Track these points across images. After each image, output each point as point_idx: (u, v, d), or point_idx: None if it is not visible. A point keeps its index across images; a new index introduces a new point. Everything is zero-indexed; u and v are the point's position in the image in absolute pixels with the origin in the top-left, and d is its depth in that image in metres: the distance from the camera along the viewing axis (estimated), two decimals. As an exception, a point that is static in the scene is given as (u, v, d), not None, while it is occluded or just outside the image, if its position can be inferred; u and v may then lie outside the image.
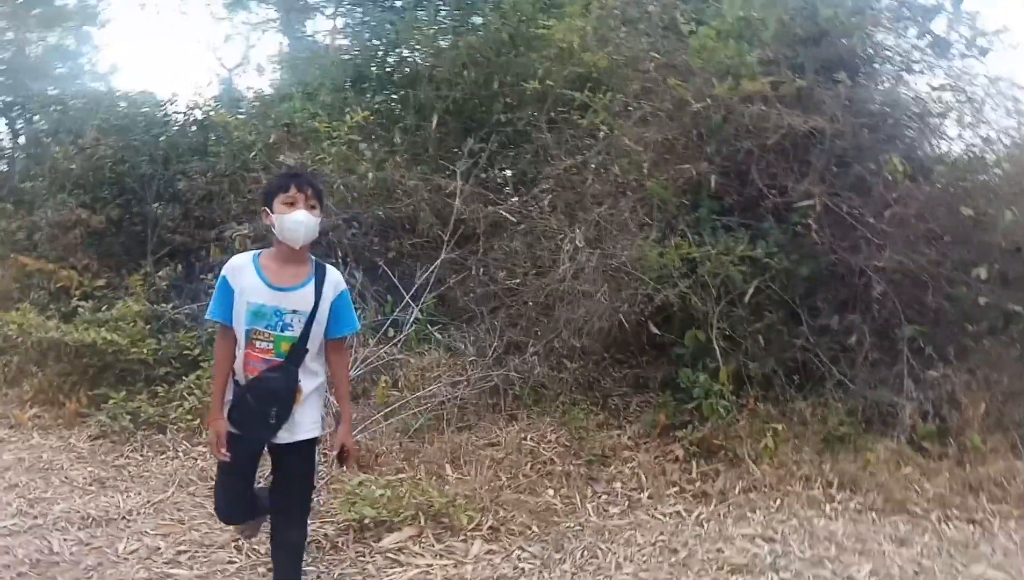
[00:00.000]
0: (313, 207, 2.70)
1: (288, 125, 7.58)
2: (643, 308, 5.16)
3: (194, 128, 8.23)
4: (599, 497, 4.35)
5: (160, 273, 6.89)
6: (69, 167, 7.72)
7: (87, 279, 6.97)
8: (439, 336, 5.79)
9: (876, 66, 5.89)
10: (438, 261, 5.90)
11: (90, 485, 4.47)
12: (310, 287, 2.69)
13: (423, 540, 3.70)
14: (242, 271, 2.67)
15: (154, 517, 4.01)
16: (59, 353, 5.92)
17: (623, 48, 5.91)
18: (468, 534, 3.77)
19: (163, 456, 4.96)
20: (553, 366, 5.38)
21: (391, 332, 5.66)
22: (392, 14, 9.56)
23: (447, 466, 4.53)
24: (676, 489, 4.48)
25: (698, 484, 4.49)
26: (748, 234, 5.16)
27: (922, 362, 4.95)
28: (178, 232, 7.47)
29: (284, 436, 2.71)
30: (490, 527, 3.83)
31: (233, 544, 3.60)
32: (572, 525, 3.96)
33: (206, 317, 2.76)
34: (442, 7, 8.92)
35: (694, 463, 4.68)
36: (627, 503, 4.29)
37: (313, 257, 2.81)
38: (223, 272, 2.70)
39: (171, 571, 3.41)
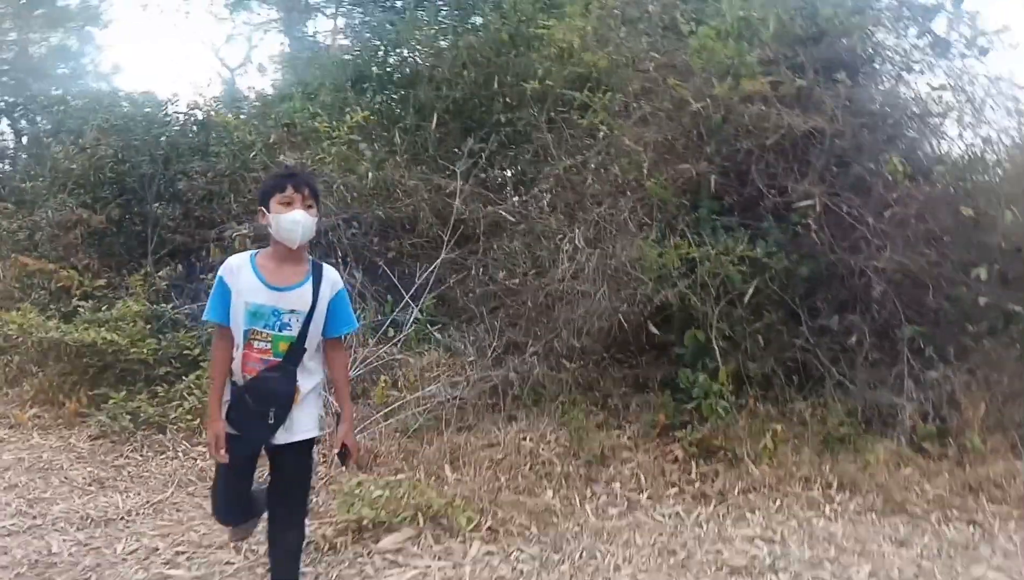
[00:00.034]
0: (310, 207, 2.69)
1: (288, 125, 7.60)
2: (643, 308, 5.16)
3: (195, 128, 8.23)
4: (598, 498, 4.33)
5: (160, 273, 6.90)
6: (70, 167, 7.73)
7: (87, 279, 6.98)
8: (439, 336, 5.79)
9: (876, 66, 5.88)
10: (438, 261, 5.90)
11: (89, 485, 4.47)
12: (308, 286, 2.69)
13: (421, 541, 3.69)
14: (239, 271, 2.67)
15: (153, 517, 4.01)
16: (59, 353, 5.92)
17: (623, 48, 5.91)
18: (467, 535, 3.75)
19: (163, 456, 4.96)
20: (552, 366, 5.38)
21: (391, 332, 5.66)
22: (392, 14, 9.57)
23: (446, 467, 4.53)
24: (675, 490, 4.47)
25: (697, 485, 4.48)
26: (748, 234, 5.15)
27: (922, 363, 4.94)
28: (178, 232, 7.48)
29: (282, 436, 2.70)
30: (489, 528, 3.82)
31: (232, 545, 3.59)
32: (571, 526, 3.94)
33: (203, 318, 2.75)
34: (442, 7, 8.93)
35: (693, 464, 4.68)
36: (626, 504, 4.28)
37: (310, 256, 2.80)
38: (220, 273, 2.69)
39: (169, 572, 3.40)
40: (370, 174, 6.38)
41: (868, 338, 4.97)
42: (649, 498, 4.35)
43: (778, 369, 5.13)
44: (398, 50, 8.38)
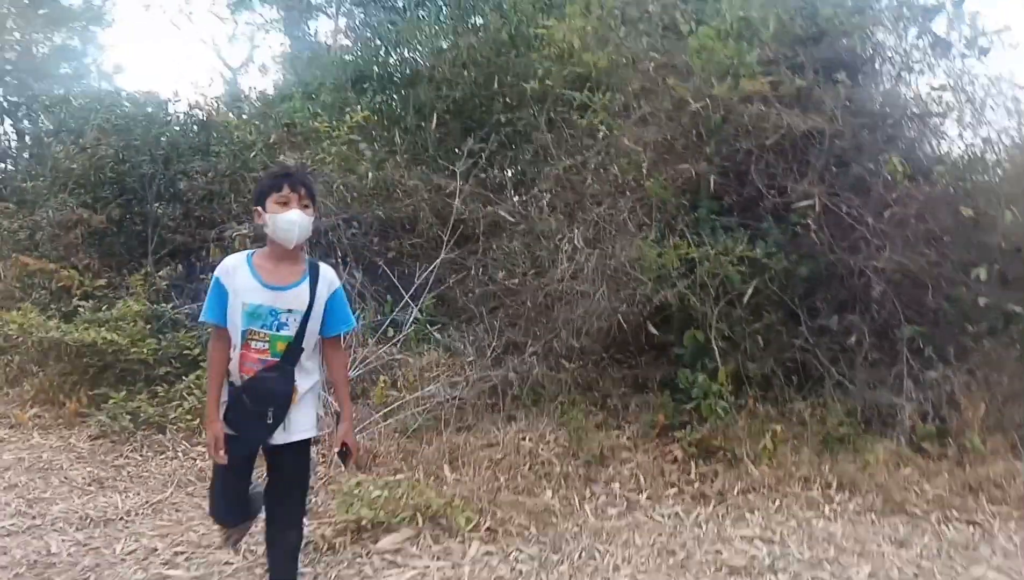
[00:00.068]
0: (306, 206, 2.69)
1: (288, 125, 7.60)
2: (642, 308, 5.17)
3: (195, 128, 8.24)
4: (597, 498, 4.33)
5: (161, 273, 6.91)
6: (70, 166, 7.73)
7: (88, 279, 6.98)
8: (438, 336, 5.80)
9: (876, 66, 5.88)
10: (437, 261, 5.90)
11: (89, 485, 4.47)
12: (305, 286, 2.69)
13: (420, 541, 3.69)
14: (236, 272, 2.66)
15: (152, 518, 4.01)
16: (59, 353, 5.93)
17: (623, 48, 5.90)
18: (466, 535, 3.75)
19: (162, 456, 4.96)
20: (552, 366, 5.38)
21: (390, 332, 5.66)
22: (393, 14, 9.57)
23: (445, 467, 4.53)
24: (675, 490, 4.47)
25: (697, 485, 4.48)
26: (747, 234, 5.16)
27: (922, 363, 4.94)
28: (179, 232, 7.48)
29: (280, 436, 2.70)
30: (488, 528, 3.82)
31: (226, 546, 3.58)
32: (570, 526, 3.94)
33: (200, 319, 2.74)
34: (443, 7, 8.92)
35: (693, 464, 4.68)
36: (625, 504, 4.28)
37: (307, 256, 2.80)
38: (216, 273, 2.68)
39: (168, 572, 3.40)
40: (370, 174, 6.39)
41: (868, 338, 4.97)
42: (648, 498, 4.35)
43: (777, 369, 5.14)
44: (399, 50, 8.39)
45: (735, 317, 5.07)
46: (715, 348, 4.98)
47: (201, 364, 5.59)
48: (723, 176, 5.36)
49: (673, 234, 5.25)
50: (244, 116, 8.72)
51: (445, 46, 7.67)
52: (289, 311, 2.65)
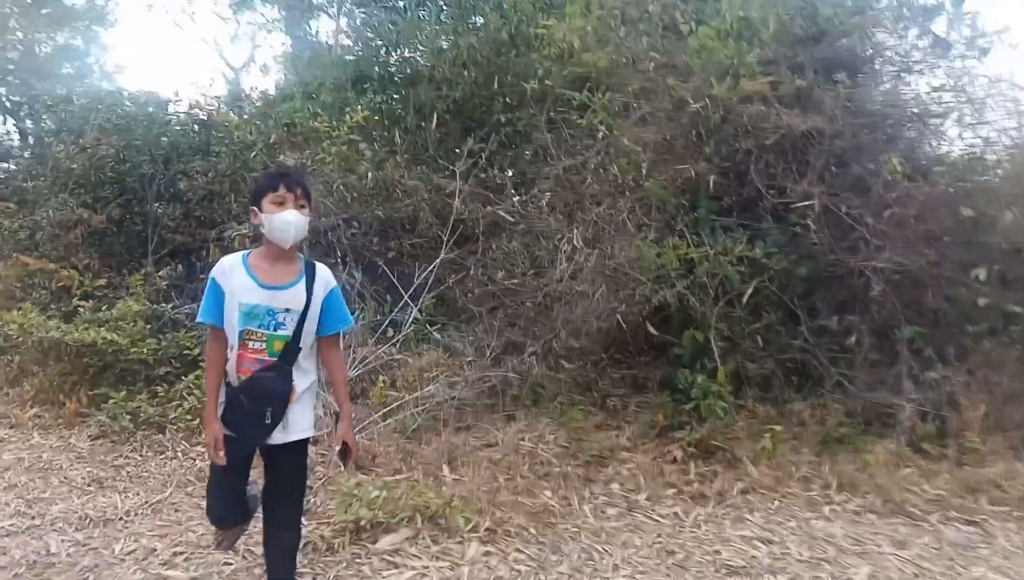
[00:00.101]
0: (303, 206, 2.69)
1: (288, 125, 7.60)
2: (641, 308, 5.17)
3: (196, 128, 8.24)
4: (596, 498, 4.33)
5: (161, 273, 6.91)
6: (70, 166, 7.73)
7: (88, 279, 6.98)
8: (438, 336, 5.80)
9: (876, 66, 5.88)
10: (437, 261, 5.90)
11: (89, 485, 4.47)
12: (301, 285, 2.69)
13: (419, 542, 3.69)
14: (232, 272, 2.67)
15: (152, 518, 4.00)
16: (60, 353, 5.93)
17: (623, 48, 5.90)
18: (465, 536, 3.74)
19: (162, 456, 4.96)
20: (551, 366, 5.38)
21: (390, 332, 5.66)
22: (394, 14, 9.56)
23: (444, 467, 4.53)
24: (674, 490, 4.47)
25: (696, 485, 4.48)
26: (747, 234, 5.16)
27: (921, 363, 4.94)
28: (179, 232, 7.48)
29: (278, 436, 2.70)
30: (487, 529, 3.81)
31: (219, 549, 3.58)
32: (569, 527, 3.94)
33: (197, 320, 2.74)
34: (444, 7, 8.92)
35: (692, 464, 4.68)
36: (625, 504, 4.27)
37: (302, 255, 2.80)
38: (212, 274, 2.68)
39: (167, 572, 3.40)
40: (370, 174, 6.39)
41: (867, 338, 4.98)
42: (648, 499, 4.35)
43: (777, 369, 5.14)
44: (399, 50, 8.38)
45: (734, 317, 5.08)
46: (714, 348, 4.98)
47: (201, 364, 5.59)
48: (723, 176, 5.37)
49: (672, 234, 5.25)
50: (245, 116, 8.71)
51: (445, 46, 7.66)
52: (286, 310, 2.65)
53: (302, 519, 2.94)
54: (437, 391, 5.15)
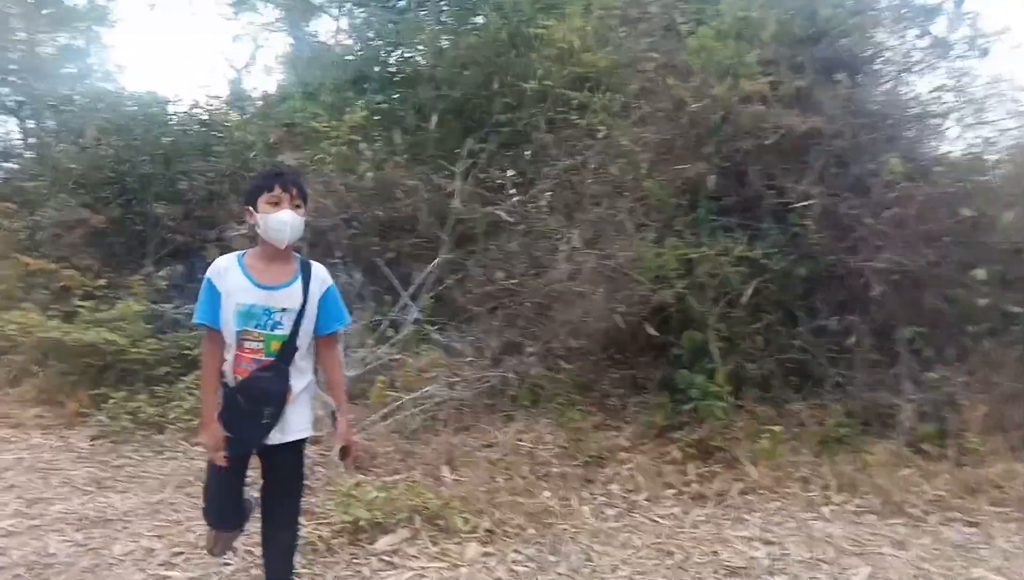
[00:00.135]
0: (298, 206, 2.68)
1: (288, 125, 7.60)
2: (640, 309, 5.16)
3: (196, 128, 8.25)
4: (595, 499, 4.33)
5: (161, 273, 6.92)
6: (70, 166, 7.74)
7: (89, 279, 6.99)
8: (437, 336, 5.80)
9: (876, 67, 5.87)
10: (436, 261, 5.91)
11: (88, 486, 4.47)
12: (298, 284, 2.68)
13: (418, 543, 3.69)
14: (227, 273, 2.66)
15: (151, 518, 4.00)
16: (60, 353, 5.95)
17: (623, 48, 5.90)
18: (463, 536, 3.75)
19: (161, 456, 4.97)
20: (550, 367, 5.40)
21: (389, 332, 5.67)
22: (394, 14, 9.56)
23: (443, 467, 4.53)
24: (673, 491, 4.46)
25: (695, 486, 4.48)
26: (746, 235, 5.16)
27: (921, 363, 4.94)
28: (179, 232, 7.50)
29: (276, 437, 2.69)
30: (486, 529, 3.81)
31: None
32: (568, 527, 3.93)
33: (193, 322, 2.73)
34: (444, 7, 8.92)
35: (691, 465, 4.68)
36: (624, 505, 4.27)
37: (298, 254, 2.80)
38: (207, 275, 2.67)
39: (166, 573, 3.40)
40: (369, 174, 6.39)
41: (867, 339, 4.98)
42: (647, 499, 4.35)
43: (776, 370, 5.13)
44: (399, 50, 8.39)
45: (734, 318, 5.08)
46: (714, 349, 4.99)
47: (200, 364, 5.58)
48: (722, 176, 5.36)
49: (672, 234, 5.25)
50: (247, 116, 8.71)
51: (445, 46, 7.66)
52: (283, 310, 2.65)
53: (300, 519, 2.94)
54: (436, 391, 5.16)
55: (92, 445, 5.17)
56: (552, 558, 3.62)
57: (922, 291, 5.01)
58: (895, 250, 4.96)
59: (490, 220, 6.10)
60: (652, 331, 5.25)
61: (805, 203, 5.05)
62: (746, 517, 4.12)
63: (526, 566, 3.53)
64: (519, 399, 5.33)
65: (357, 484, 4.01)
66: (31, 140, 13.49)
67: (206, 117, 8.23)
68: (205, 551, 3.18)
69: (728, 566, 3.57)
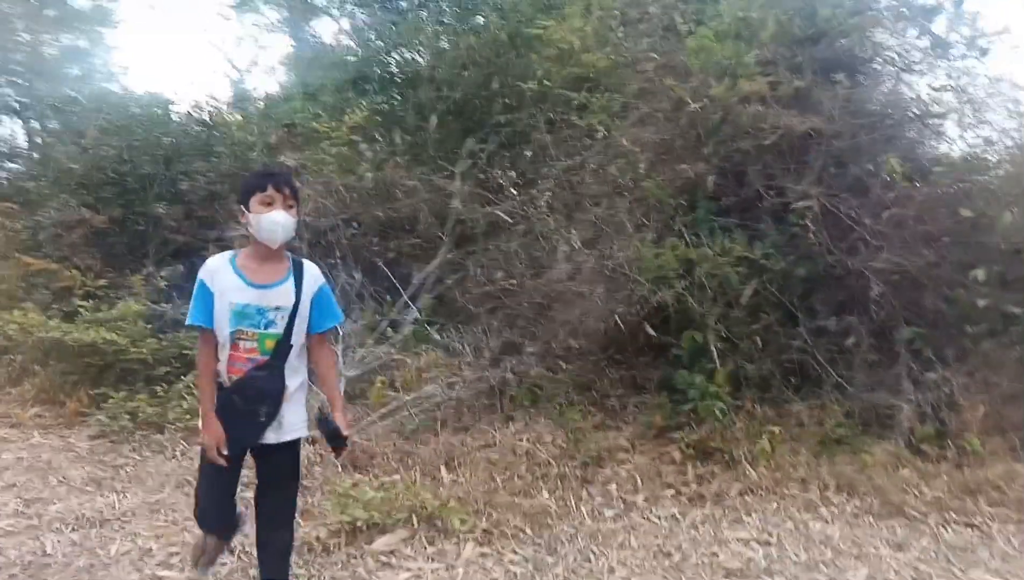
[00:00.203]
0: (291, 207, 2.69)
1: (289, 126, 7.62)
2: (640, 309, 5.15)
3: (197, 128, 8.27)
4: (594, 499, 4.32)
5: (162, 273, 6.94)
6: (71, 167, 7.77)
7: (89, 279, 7.02)
8: (437, 336, 5.81)
9: (876, 67, 5.86)
10: (436, 261, 5.92)
11: (87, 485, 4.49)
12: (290, 283, 2.70)
13: (415, 543, 3.69)
14: (220, 273, 2.67)
15: (149, 518, 4.01)
16: (60, 352, 5.97)
17: (622, 49, 5.90)
18: (461, 537, 3.75)
19: (160, 456, 4.98)
20: (550, 367, 5.39)
21: (389, 332, 5.67)
22: (395, 15, 9.59)
23: (442, 468, 4.53)
24: (672, 491, 4.45)
25: (694, 486, 4.46)
26: (745, 235, 5.14)
27: (920, 364, 4.91)
28: (180, 232, 7.52)
29: (271, 436, 2.71)
30: (483, 530, 3.81)
31: (225, 546, 3.59)
32: (566, 528, 3.93)
33: (187, 323, 2.74)
34: (445, 8, 8.94)
35: (690, 465, 4.66)
36: (622, 506, 4.26)
37: (290, 254, 2.80)
38: (200, 276, 2.69)
39: (162, 573, 3.41)
40: (369, 175, 6.40)
41: (866, 339, 4.95)
42: (645, 500, 4.33)
43: (776, 370, 5.10)
44: (400, 50, 8.40)
45: (733, 318, 5.05)
46: (713, 349, 4.97)
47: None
48: (721, 177, 5.35)
49: (671, 235, 5.24)
50: (249, 117, 8.75)
51: (446, 47, 7.68)
52: (277, 309, 2.66)
53: (296, 519, 2.94)
54: (435, 391, 5.16)
55: (91, 445, 5.19)
56: (550, 559, 3.61)
57: (921, 292, 4.99)
58: (894, 251, 4.95)
59: (490, 220, 6.10)
60: (651, 331, 5.24)
61: (804, 203, 5.03)
62: (744, 518, 4.10)
63: (523, 567, 3.53)
64: (518, 399, 5.33)
65: (354, 484, 4.01)
66: (36, 140, 13.56)
67: (207, 118, 8.26)
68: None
69: (726, 567, 3.56)
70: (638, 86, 5.71)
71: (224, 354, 2.65)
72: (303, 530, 3.68)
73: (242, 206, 2.69)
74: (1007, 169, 5.29)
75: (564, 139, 6.13)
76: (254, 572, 3.31)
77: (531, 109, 6.57)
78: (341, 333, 5.29)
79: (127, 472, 4.72)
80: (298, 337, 2.72)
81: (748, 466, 4.57)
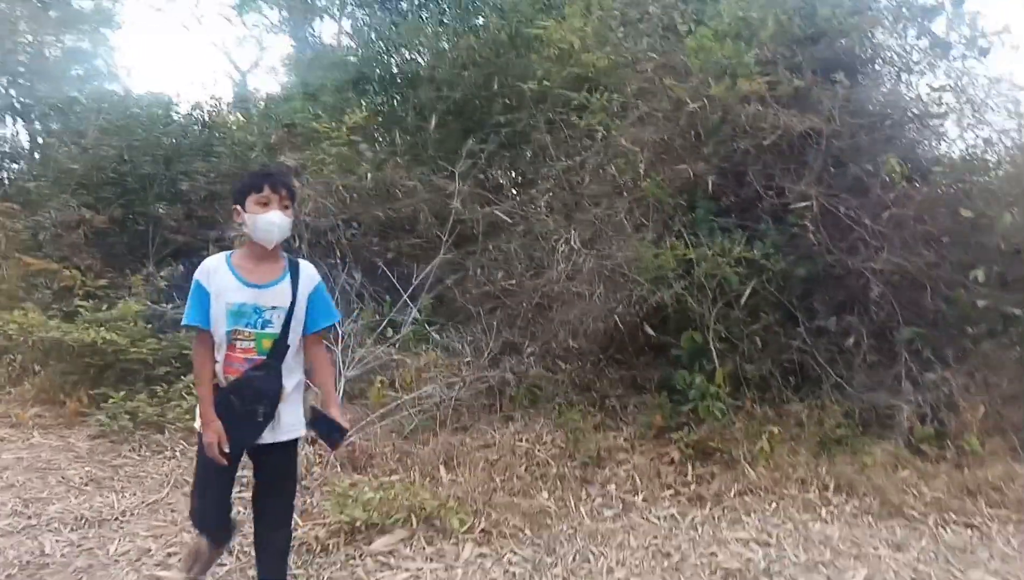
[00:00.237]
0: (287, 207, 2.69)
1: (289, 126, 7.63)
2: (639, 309, 5.16)
3: (197, 128, 8.28)
4: (593, 500, 4.32)
5: (162, 273, 6.94)
6: (72, 167, 7.77)
7: (90, 278, 7.03)
8: (436, 336, 5.81)
9: (875, 67, 5.85)
10: (436, 261, 5.92)
11: (86, 485, 4.48)
12: (286, 282, 2.70)
13: (414, 543, 3.69)
14: (216, 273, 2.67)
15: (148, 518, 4.01)
16: (60, 352, 5.96)
17: (621, 49, 5.90)
18: (459, 537, 3.74)
19: (160, 456, 4.98)
20: (549, 367, 5.40)
21: (389, 332, 5.67)
22: (395, 16, 9.59)
23: (441, 468, 4.53)
24: (671, 492, 4.45)
25: (693, 487, 4.46)
26: (745, 235, 5.14)
27: (920, 364, 4.91)
28: (180, 232, 7.54)
29: (268, 436, 2.70)
30: (482, 530, 3.80)
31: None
32: (565, 528, 3.93)
33: (183, 323, 2.74)
34: (445, 8, 8.94)
35: (689, 465, 4.66)
36: (621, 506, 4.26)
37: (285, 253, 2.80)
38: (196, 276, 2.69)
39: (160, 573, 3.40)
40: (369, 175, 6.40)
41: (866, 339, 4.95)
42: (644, 500, 4.33)
43: (775, 370, 5.11)
44: (400, 51, 8.41)
45: (733, 318, 5.05)
46: (713, 349, 4.97)
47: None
48: (721, 177, 5.35)
49: (670, 235, 5.24)
50: (251, 117, 8.77)
51: (446, 47, 7.69)
52: (273, 308, 2.66)
53: (294, 519, 2.94)
54: (435, 391, 5.16)
55: (91, 444, 5.18)
56: (548, 559, 3.61)
57: (921, 292, 4.98)
58: (894, 251, 4.95)
59: (489, 220, 6.11)
60: (651, 332, 5.24)
61: (804, 204, 5.02)
62: (743, 518, 4.10)
63: (522, 567, 3.52)
64: (517, 399, 5.33)
65: (353, 484, 4.01)
66: (38, 141, 13.57)
67: (207, 118, 8.27)
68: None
69: (724, 568, 3.56)
70: (638, 86, 5.70)
71: (221, 354, 2.65)
72: (302, 530, 3.68)
73: (238, 205, 2.69)
74: (1007, 169, 5.29)
75: (564, 139, 6.13)
76: (252, 572, 3.31)
77: (531, 109, 6.57)
78: (341, 333, 5.29)
79: (126, 472, 4.72)
80: (295, 337, 2.72)
81: (747, 466, 4.57)
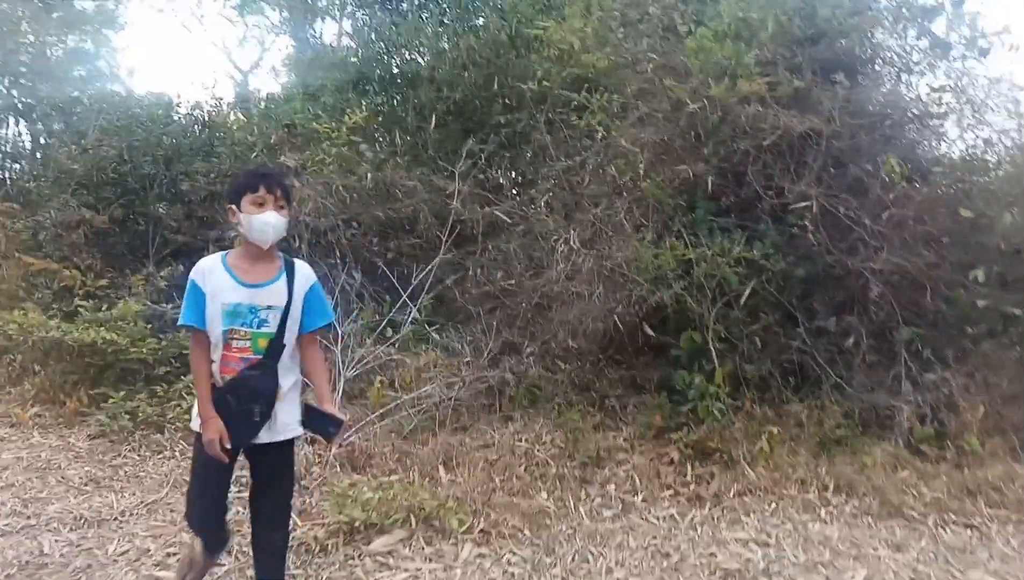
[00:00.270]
0: (282, 207, 2.69)
1: (289, 126, 7.63)
2: (639, 309, 5.15)
3: (197, 129, 8.29)
4: (592, 500, 4.31)
5: (163, 273, 6.94)
6: (72, 167, 7.78)
7: (90, 278, 7.03)
8: (436, 336, 5.81)
9: (875, 67, 5.85)
10: (435, 261, 5.92)
11: (85, 485, 4.49)
12: (282, 282, 2.70)
13: (413, 543, 3.69)
14: (211, 273, 2.68)
15: (147, 518, 4.01)
16: (60, 352, 5.96)
17: (621, 49, 5.90)
18: (459, 537, 3.74)
19: (160, 456, 4.98)
20: (548, 367, 5.40)
21: (388, 332, 5.68)
22: (396, 16, 9.60)
23: (440, 468, 4.52)
24: (670, 492, 4.45)
25: (692, 487, 4.46)
26: (744, 235, 5.14)
27: (920, 365, 4.91)
28: (181, 232, 7.54)
29: (266, 435, 2.70)
30: (481, 530, 3.80)
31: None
32: (564, 528, 3.93)
33: (179, 323, 2.74)
34: (445, 8, 8.95)
35: (689, 466, 4.66)
36: (620, 506, 4.26)
37: (281, 253, 2.80)
38: (192, 276, 2.69)
39: (159, 574, 3.41)
40: (369, 175, 6.41)
41: (865, 340, 4.95)
42: (644, 500, 4.33)
43: (775, 371, 5.10)
44: (400, 52, 8.42)
45: (732, 318, 5.05)
46: (712, 349, 4.96)
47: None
48: (720, 177, 5.35)
49: (670, 235, 5.24)
50: (251, 117, 8.78)
51: (446, 48, 7.69)
52: (269, 308, 2.66)
53: (292, 519, 2.94)
54: (434, 391, 5.16)
55: (91, 444, 5.19)
56: (548, 559, 3.61)
57: (921, 292, 4.98)
58: (894, 251, 4.94)
59: (489, 220, 6.11)
60: (650, 332, 5.24)
61: (803, 204, 5.02)
62: (743, 518, 4.09)
63: (521, 567, 3.52)
64: (517, 399, 5.33)
65: (352, 484, 4.01)
66: (40, 141, 13.59)
67: (207, 118, 8.27)
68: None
69: (724, 568, 3.55)
70: (637, 86, 5.70)
71: (217, 354, 2.65)
72: (301, 530, 3.68)
73: (233, 205, 2.69)
74: (1007, 169, 5.28)
75: (563, 139, 6.13)
76: (251, 572, 3.30)
77: (531, 109, 6.58)
78: (341, 333, 5.29)
79: (126, 472, 4.72)
80: (291, 336, 2.72)
81: (747, 467, 4.57)
